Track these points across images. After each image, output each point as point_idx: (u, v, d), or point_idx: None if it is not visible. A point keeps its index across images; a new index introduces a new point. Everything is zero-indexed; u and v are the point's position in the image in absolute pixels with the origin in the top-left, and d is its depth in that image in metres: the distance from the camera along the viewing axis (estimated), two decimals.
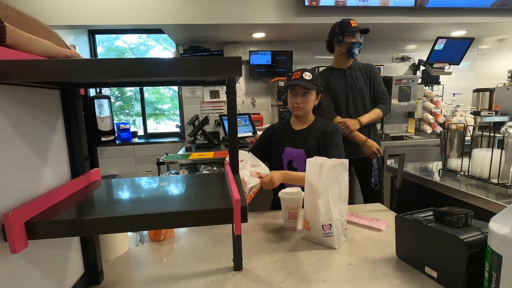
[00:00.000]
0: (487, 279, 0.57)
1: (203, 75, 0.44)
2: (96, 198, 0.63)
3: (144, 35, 4.87)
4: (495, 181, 1.04)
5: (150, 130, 3.86)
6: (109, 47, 5.42)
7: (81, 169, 0.69)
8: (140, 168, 3.41)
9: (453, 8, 2.68)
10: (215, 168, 2.45)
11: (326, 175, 0.87)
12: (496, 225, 0.55)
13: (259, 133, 2.45)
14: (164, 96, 4.74)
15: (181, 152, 2.84)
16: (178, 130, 3.64)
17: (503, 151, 0.95)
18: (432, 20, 2.76)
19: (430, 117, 3.12)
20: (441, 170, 1.29)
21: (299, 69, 1.39)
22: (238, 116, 3.16)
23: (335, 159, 0.94)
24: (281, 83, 3.13)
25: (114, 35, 5.30)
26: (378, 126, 3.11)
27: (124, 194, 0.66)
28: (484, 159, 1.05)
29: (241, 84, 3.47)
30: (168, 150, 2.78)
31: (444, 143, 1.25)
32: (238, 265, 0.78)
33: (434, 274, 0.71)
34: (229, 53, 3.29)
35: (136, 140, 3.52)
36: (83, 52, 3.32)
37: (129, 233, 1.01)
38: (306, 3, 2.54)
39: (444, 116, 3.15)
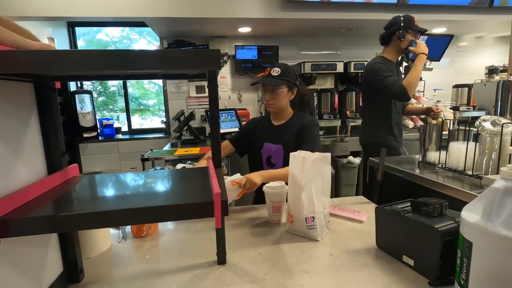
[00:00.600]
0: (459, 265, 0.60)
1: (180, 68, 0.43)
2: (73, 194, 0.62)
3: (127, 28, 4.73)
4: (470, 172, 1.09)
5: (135, 126, 3.78)
6: (90, 40, 5.24)
7: (58, 165, 0.67)
8: (125, 165, 3.35)
9: (434, 5, 2.75)
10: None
11: (309, 169, 0.88)
12: (467, 214, 0.58)
13: None
14: (149, 91, 4.64)
15: (167, 148, 2.80)
16: (163, 126, 3.59)
17: (477, 144, 1.00)
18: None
19: None
20: (420, 163, 1.33)
21: (271, 65, 1.38)
22: (224, 112, 3.14)
23: (318, 152, 0.95)
24: None
25: (95, 28, 5.14)
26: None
27: (103, 190, 0.65)
28: (459, 152, 1.09)
29: (227, 79, 3.45)
30: (153, 146, 2.74)
31: (423, 137, 1.29)
32: (221, 259, 0.78)
33: (411, 262, 0.73)
34: (215, 47, 3.25)
35: (120, 136, 3.45)
36: (63, 45, 3.20)
37: (112, 230, 1.00)
38: None
39: None
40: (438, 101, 3.34)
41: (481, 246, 0.54)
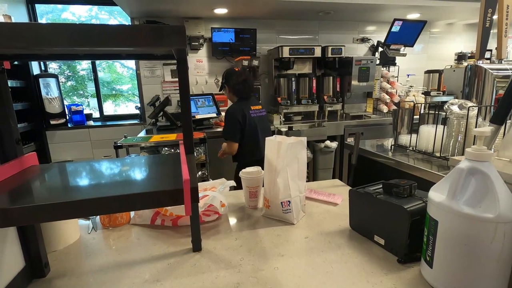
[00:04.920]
0: (425, 243, 0.62)
1: (142, 45, 0.40)
2: (30, 185, 0.57)
3: (96, 7, 4.42)
4: (438, 154, 1.14)
5: (109, 112, 3.60)
6: (54, 19, 4.86)
7: (12, 153, 0.62)
8: (97, 153, 3.21)
9: None
10: (178, 151, 2.37)
11: (285, 153, 0.88)
12: (434, 194, 0.60)
13: (223, 114, 2.41)
14: (122, 75, 4.41)
15: (142, 134, 2.70)
16: (138, 112, 3.45)
17: (445, 127, 1.03)
18: (390, 1, 2.84)
19: (387, 97, 3.29)
20: (392, 146, 1.37)
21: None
22: (201, 97, 3.06)
23: (293, 137, 0.95)
24: (245, 62, 3.07)
25: (60, 6, 4.77)
26: (339, 106, 3.22)
27: (63, 180, 0.61)
28: (429, 135, 1.13)
29: (203, 63, 3.34)
30: (128, 133, 2.63)
31: (396, 121, 1.33)
32: (196, 246, 0.77)
33: (382, 241, 0.76)
34: (190, 29, 3.12)
35: (91, 123, 3.28)
36: None
37: (81, 221, 0.95)
38: None
39: (399, 96, 3.34)
40: (411, 86, 3.45)
41: (445, 224, 0.57)
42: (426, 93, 3.31)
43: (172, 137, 2.42)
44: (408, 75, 3.70)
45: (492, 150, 0.67)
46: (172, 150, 2.33)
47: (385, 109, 3.32)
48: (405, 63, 3.69)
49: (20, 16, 2.92)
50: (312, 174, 3.12)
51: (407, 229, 0.68)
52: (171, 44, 0.40)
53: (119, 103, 4.15)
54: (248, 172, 1.02)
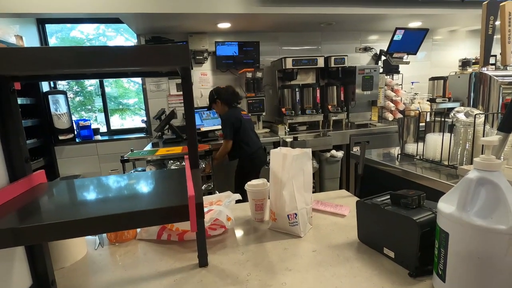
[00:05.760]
0: (437, 255, 0.61)
1: (145, 65, 0.41)
2: (38, 203, 0.58)
3: (103, 25, 4.57)
4: (446, 163, 1.12)
5: (116, 126, 3.66)
6: (64, 38, 5.04)
7: (21, 172, 0.63)
8: (104, 167, 3.24)
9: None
10: (183, 164, 2.39)
11: (290, 165, 0.88)
12: (443, 205, 0.59)
13: None
14: (128, 90, 4.50)
15: (148, 148, 2.73)
16: (144, 125, 3.49)
17: (452, 135, 1.02)
18: (391, 11, 2.87)
19: (391, 105, 3.28)
20: (399, 155, 1.36)
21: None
22: (206, 110, 3.09)
23: (298, 149, 0.94)
24: (249, 74, 3.10)
25: (69, 25, 4.95)
26: (344, 115, 3.22)
27: (72, 197, 0.61)
28: (436, 143, 1.12)
29: (208, 76, 3.40)
30: (134, 146, 2.66)
31: (401, 130, 1.32)
32: (203, 261, 0.76)
33: (392, 254, 0.74)
34: (194, 44, 3.19)
35: (98, 137, 3.33)
36: (32, 43, 3.03)
37: (88, 237, 0.95)
38: None
39: (404, 103, 3.33)
40: (416, 93, 3.44)
41: (456, 236, 0.55)
42: (432, 100, 3.29)
43: (178, 149, 2.44)
44: (412, 83, 3.69)
45: (502, 158, 0.65)
46: (178, 163, 2.34)
47: (390, 117, 3.31)
48: (409, 71, 3.69)
49: (31, 35, 3.03)
50: (319, 185, 3.09)
51: (417, 241, 0.66)
52: (176, 63, 0.41)
53: (125, 117, 4.22)
54: (253, 184, 1.01)
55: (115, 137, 3.36)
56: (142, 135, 3.42)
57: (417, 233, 0.66)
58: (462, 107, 0.99)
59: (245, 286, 0.68)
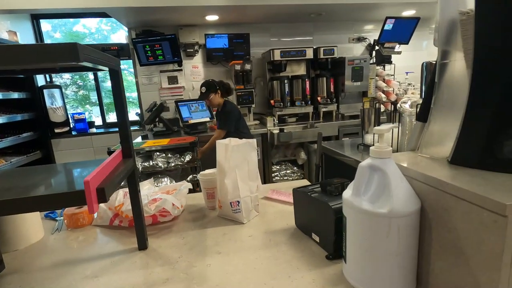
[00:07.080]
0: (343, 239, 0.64)
1: (28, 63, 0.44)
2: None
3: (105, 19, 4.66)
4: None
5: (113, 119, 3.74)
6: (67, 32, 5.17)
7: None
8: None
9: None
10: (169, 155, 2.44)
11: (232, 154, 0.91)
12: (346, 191, 0.62)
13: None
14: (131, 83, 4.59)
15: (138, 140, 2.80)
16: (138, 118, 3.57)
17: (400, 124, 1.04)
18: (381, 0, 2.82)
19: (382, 95, 3.24)
20: (359, 145, 1.38)
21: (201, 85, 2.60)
22: (195, 102, 3.13)
23: (244, 139, 0.98)
24: (238, 67, 3.12)
25: (71, 20, 5.06)
26: (334, 106, 3.21)
27: None
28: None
29: (199, 69, 3.42)
30: None
31: (362, 120, 1.33)
32: (142, 245, 0.81)
33: (317, 239, 0.78)
34: (184, 37, 3.21)
35: (94, 130, 3.42)
36: (27, 39, 3.11)
37: (48, 222, 1.02)
38: None
39: (396, 94, 3.29)
40: (409, 84, 3.38)
41: (351, 220, 0.58)
42: None
43: (164, 142, 2.50)
44: (407, 73, 3.63)
45: (418, 148, 0.68)
46: (164, 155, 2.40)
47: (381, 108, 3.27)
48: (404, 61, 3.62)
49: (25, 31, 3.11)
50: (308, 175, 3.12)
51: (333, 226, 0.69)
52: (64, 60, 0.45)
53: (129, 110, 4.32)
54: (205, 174, 1.05)
55: (110, 130, 3.44)
56: (136, 127, 3.49)
57: (332, 218, 0.69)
58: (408, 97, 0.99)
59: (173, 267, 0.73)
